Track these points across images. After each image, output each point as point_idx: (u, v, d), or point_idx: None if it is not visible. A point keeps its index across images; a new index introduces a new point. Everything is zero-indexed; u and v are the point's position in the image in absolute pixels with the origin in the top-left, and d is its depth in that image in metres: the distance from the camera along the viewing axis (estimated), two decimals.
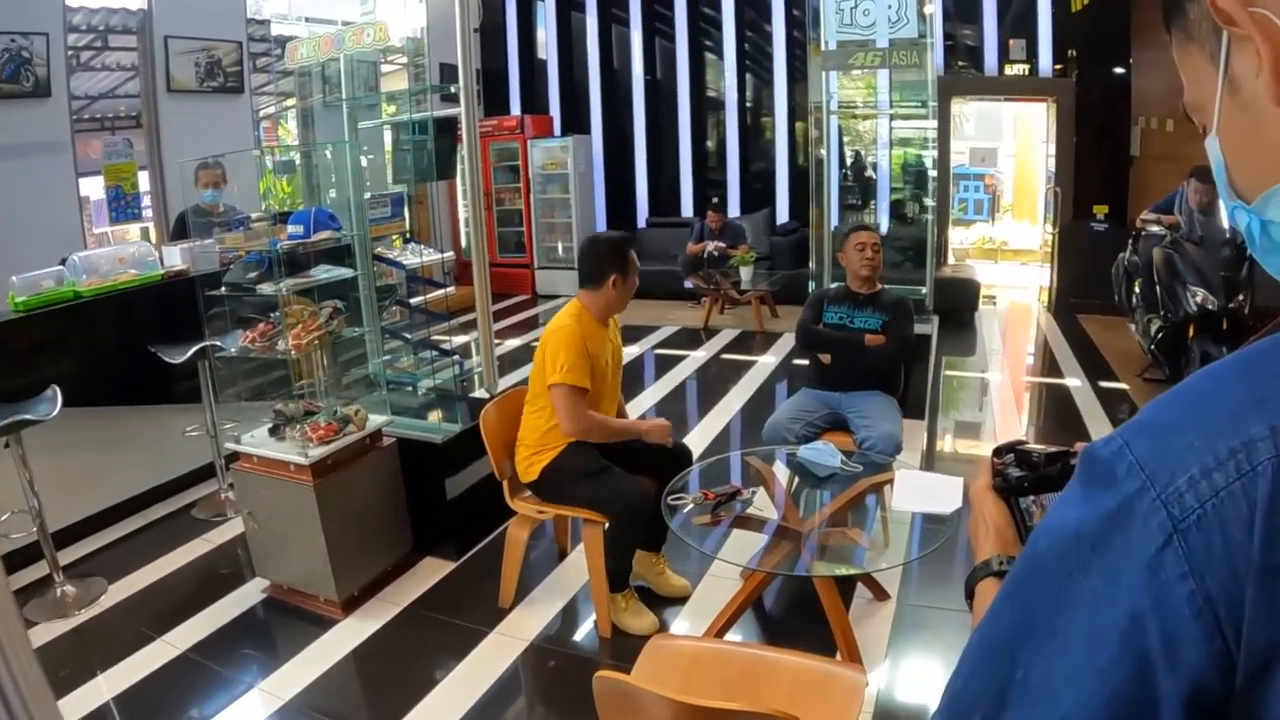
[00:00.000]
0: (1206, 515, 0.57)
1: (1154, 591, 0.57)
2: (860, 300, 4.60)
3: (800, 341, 4.79)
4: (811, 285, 6.92)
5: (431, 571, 4.37)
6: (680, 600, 4.02)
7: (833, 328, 4.61)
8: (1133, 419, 0.66)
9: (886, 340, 4.45)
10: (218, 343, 4.62)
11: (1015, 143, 14.44)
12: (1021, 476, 1.10)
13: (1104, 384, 7.26)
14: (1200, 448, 0.58)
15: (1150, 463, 0.61)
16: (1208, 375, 0.64)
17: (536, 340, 9.32)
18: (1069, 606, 0.62)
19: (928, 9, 6.43)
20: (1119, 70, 10.33)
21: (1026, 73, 10.66)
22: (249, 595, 4.25)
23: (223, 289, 4.24)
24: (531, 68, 13.28)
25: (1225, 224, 6.11)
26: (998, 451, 1.15)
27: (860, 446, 4.17)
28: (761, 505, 3.63)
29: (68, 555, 4.63)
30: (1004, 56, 10.73)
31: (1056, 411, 6.89)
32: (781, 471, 4.07)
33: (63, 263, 5.11)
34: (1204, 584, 0.56)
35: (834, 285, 4.81)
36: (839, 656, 3.30)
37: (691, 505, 3.44)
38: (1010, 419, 6.80)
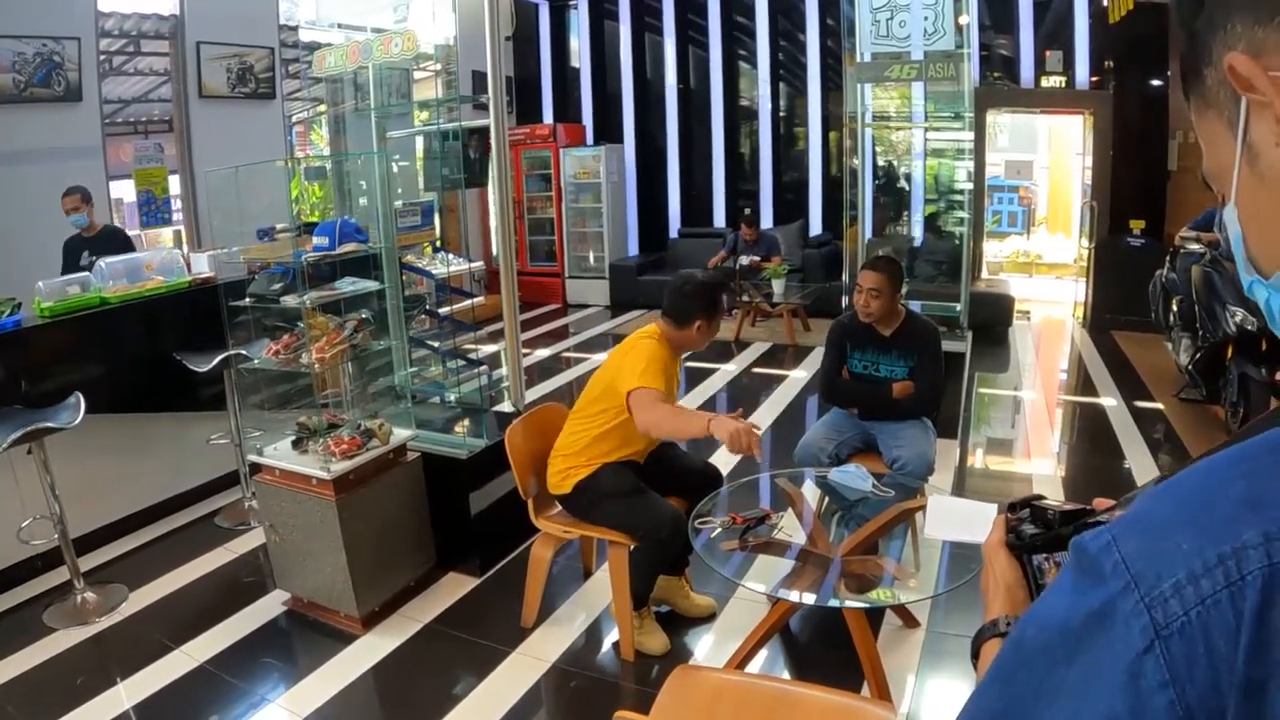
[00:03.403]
0: (1191, 623, 0.53)
1: (1133, 698, 0.54)
2: (884, 343, 4.37)
3: (824, 396, 4.61)
4: (845, 300, 6.83)
5: (454, 588, 4.32)
6: (708, 620, 3.95)
7: (858, 377, 4.44)
8: (1126, 512, 0.63)
9: (915, 385, 4.30)
10: (243, 352, 4.60)
11: (1049, 155, 14.30)
12: (1035, 534, 1.06)
13: (1139, 404, 7.14)
14: (1189, 550, 0.55)
15: (1136, 562, 0.57)
16: (1204, 470, 0.60)
17: (566, 350, 9.46)
18: (1050, 698, 0.60)
19: (962, 20, 6.33)
20: (1157, 82, 10.22)
21: (1063, 85, 10.54)
22: (269, 607, 4.21)
23: (247, 299, 4.21)
24: (564, 76, 13.30)
25: None
26: (1012, 507, 1.12)
27: (891, 466, 4.08)
28: (791, 530, 3.54)
29: (89, 561, 4.63)
30: (1040, 68, 10.61)
31: (1091, 431, 6.76)
32: (811, 494, 3.99)
33: (90, 268, 5.10)
34: (1184, 695, 0.52)
35: (852, 317, 4.52)
36: (867, 690, 3.23)
37: (719, 529, 3.36)
38: (1044, 438, 6.69)
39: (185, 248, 7.73)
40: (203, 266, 5.48)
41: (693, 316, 3.69)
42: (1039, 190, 14.31)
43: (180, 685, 3.59)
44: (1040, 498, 1.10)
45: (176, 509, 5.30)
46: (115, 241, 5.95)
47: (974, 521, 3.29)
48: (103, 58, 7.59)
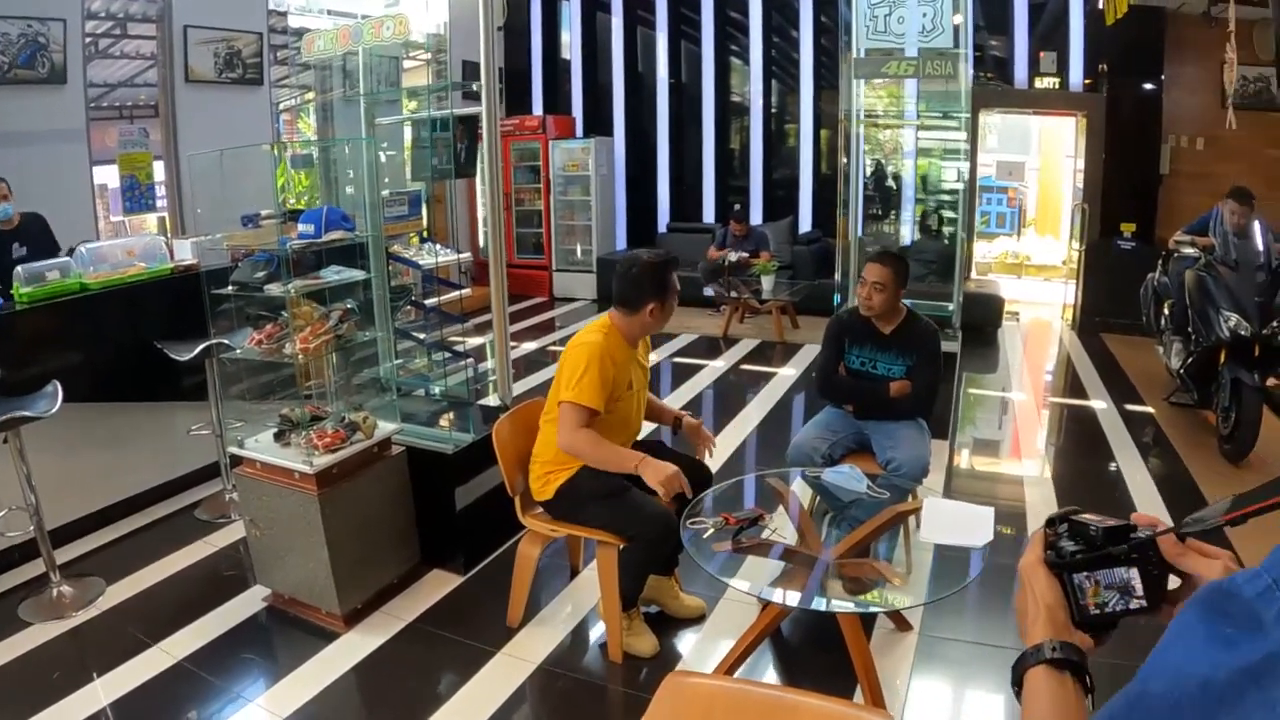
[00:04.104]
0: None
1: None
2: (883, 341, 4.31)
3: (820, 391, 4.51)
4: (836, 298, 6.77)
5: (438, 585, 4.24)
6: (697, 622, 3.88)
7: (854, 373, 4.37)
8: None
9: (913, 386, 4.23)
10: (225, 341, 4.50)
11: (1039, 157, 14.29)
12: (1076, 551, 1.01)
13: (1129, 407, 7.12)
14: None
15: None
16: None
17: (552, 344, 9.38)
18: None
19: (955, 19, 6.27)
20: (1150, 86, 10.18)
21: (1057, 86, 10.50)
22: (249, 603, 4.12)
23: (230, 287, 4.11)
24: (555, 68, 13.21)
25: (1260, 246, 5.96)
26: (1050, 522, 1.06)
27: (886, 468, 4.02)
28: (784, 531, 3.48)
29: (66, 554, 4.53)
30: (1034, 69, 10.58)
31: (1081, 433, 6.73)
32: (804, 495, 3.92)
33: (70, 253, 5.00)
34: None
35: (852, 312, 4.52)
36: (860, 694, 3.16)
37: (712, 530, 3.29)
38: (1034, 439, 6.65)
39: (169, 235, 7.63)
40: (186, 253, 5.38)
41: (644, 300, 3.57)
42: (1028, 191, 14.30)
43: (158, 683, 3.51)
44: (1077, 511, 1.04)
45: (156, 501, 5.20)
46: (40, 227, 5.75)
47: (970, 525, 3.24)
48: (88, 40, 7.49)
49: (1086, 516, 1.03)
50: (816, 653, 3.72)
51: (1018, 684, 0.97)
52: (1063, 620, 0.98)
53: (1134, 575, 0.98)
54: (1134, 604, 0.97)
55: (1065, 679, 0.93)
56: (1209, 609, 0.55)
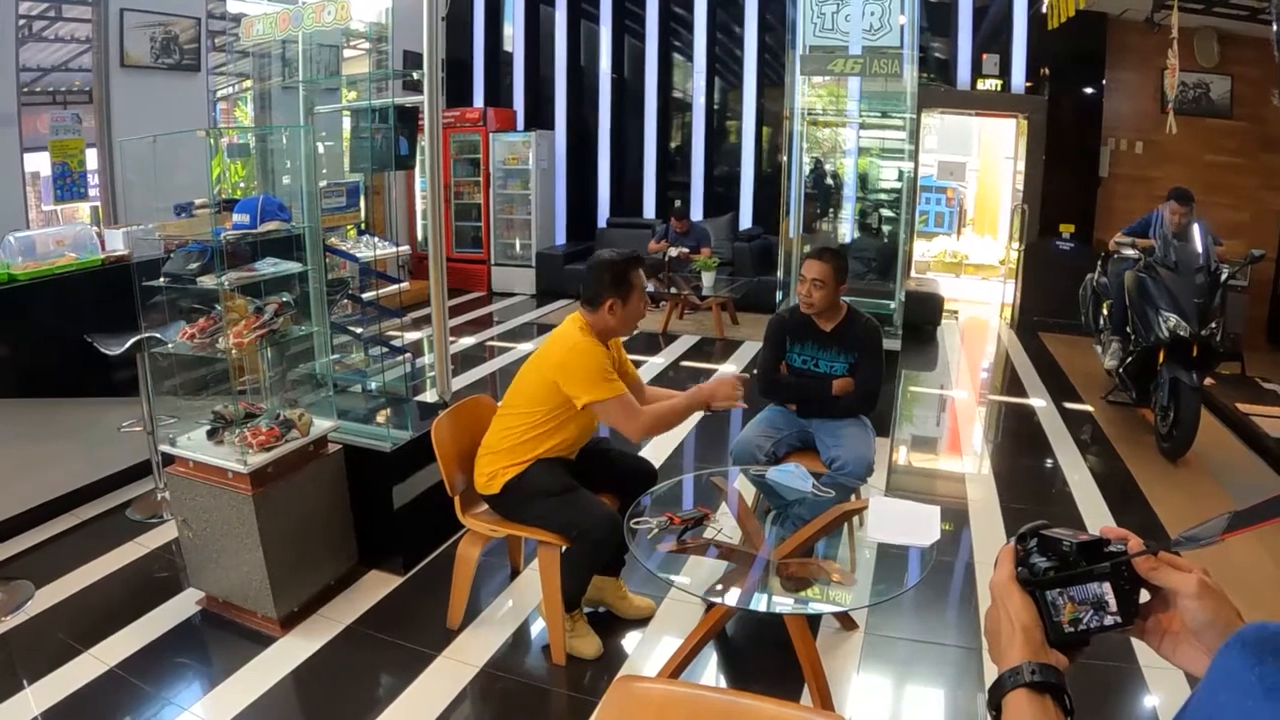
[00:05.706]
0: None
1: None
2: (825, 338, 4.28)
3: (762, 391, 4.46)
4: (779, 295, 6.77)
5: (377, 586, 4.15)
6: (641, 623, 3.83)
7: (797, 372, 4.35)
8: None
9: (855, 384, 4.21)
10: (157, 335, 4.36)
11: (979, 158, 14.43)
12: (1050, 567, 0.99)
13: (1068, 405, 7.21)
14: None
15: None
16: None
17: (491, 339, 9.29)
18: None
19: (900, 19, 6.29)
20: (1091, 90, 10.32)
21: (999, 88, 10.62)
22: (183, 607, 3.99)
23: (162, 279, 3.96)
24: (497, 60, 13.11)
25: (1200, 249, 6.05)
26: (1021, 537, 1.04)
27: (830, 466, 4.00)
28: (729, 531, 3.44)
29: None
30: (976, 71, 10.69)
31: (1021, 431, 6.80)
32: (748, 494, 3.89)
33: None
34: None
35: (793, 310, 4.46)
36: (807, 695, 3.14)
37: (656, 529, 3.24)
38: (974, 436, 6.70)
39: (101, 224, 7.43)
40: (117, 244, 5.23)
41: (602, 297, 3.52)
42: (967, 191, 14.45)
43: (90, 690, 3.38)
44: (1046, 525, 1.02)
45: (86, 500, 5.03)
46: None
47: (917, 524, 3.24)
48: (21, 22, 7.27)
49: (1057, 531, 1.01)
50: (763, 653, 3.69)
51: (995, 708, 0.94)
52: (1039, 640, 0.96)
53: (1107, 590, 0.96)
54: (1108, 620, 0.96)
55: (1046, 702, 0.90)
56: (1256, 658, 0.51)
